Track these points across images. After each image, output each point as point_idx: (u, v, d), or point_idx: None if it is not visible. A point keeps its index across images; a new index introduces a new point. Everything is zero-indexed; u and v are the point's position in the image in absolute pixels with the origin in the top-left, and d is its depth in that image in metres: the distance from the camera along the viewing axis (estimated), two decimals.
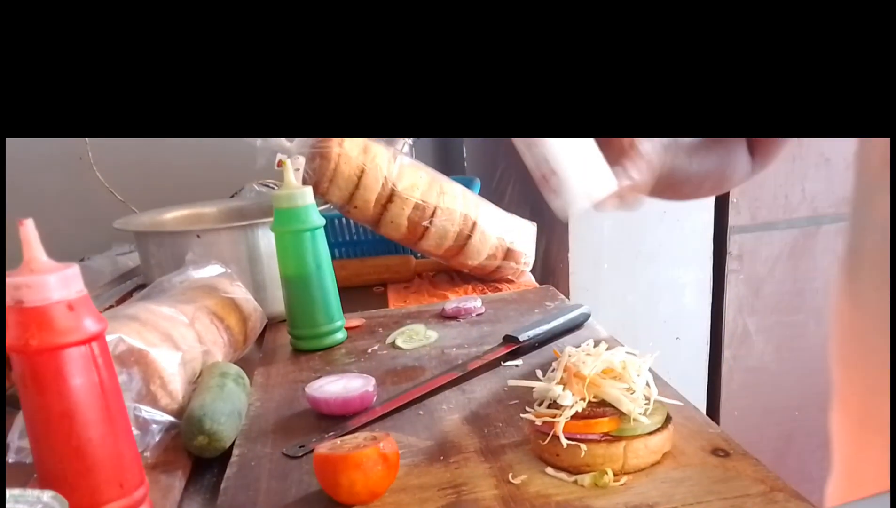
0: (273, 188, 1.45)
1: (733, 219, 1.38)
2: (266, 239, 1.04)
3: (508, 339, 0.86)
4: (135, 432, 0.67)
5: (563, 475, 0.58)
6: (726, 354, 1.45)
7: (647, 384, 0.60)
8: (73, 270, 0.50)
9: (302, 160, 0.96)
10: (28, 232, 0.48)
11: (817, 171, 1.37)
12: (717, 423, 1.51)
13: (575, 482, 0.57)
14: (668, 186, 0.71)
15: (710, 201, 1.36)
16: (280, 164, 0.92)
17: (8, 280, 0.48)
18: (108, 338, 0.67)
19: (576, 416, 0.57)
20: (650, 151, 0.62)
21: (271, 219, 0.92)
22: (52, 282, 0.48)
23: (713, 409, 1.49)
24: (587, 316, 0.94)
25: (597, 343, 0.64)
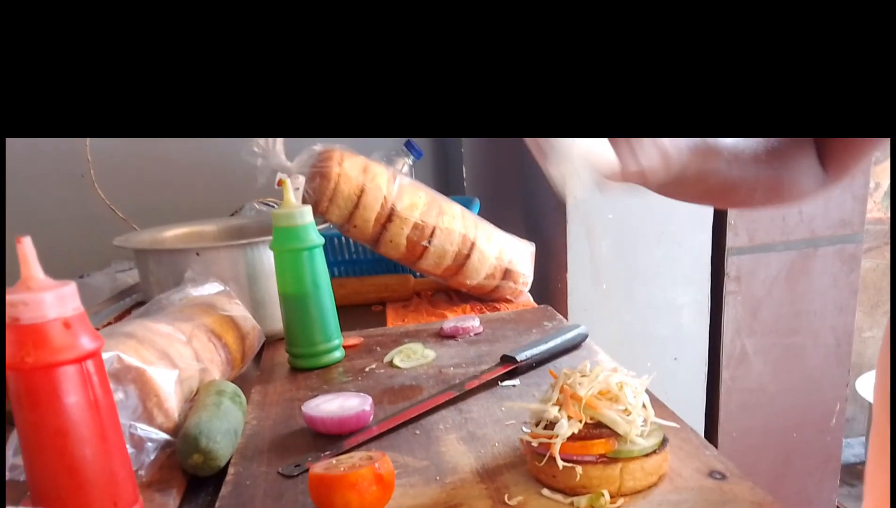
0: (274, 207, 1.46)
1: (731, 240, 1.38)
2: (266, 257, 1.04)
3: (506, 359, 0.86)
4: (130, 450, 0.67)
5: (559, 496, 0.57)
6: (724, 375, 1.45)
7: (644, 406, 0.60)
8: (70, 288, 0.50)
9: (302, 179, 0.97)
10: (26, 250, 0.48)
11: None
12: (716, 444, 1.50)
13: (571, 503, 0.56)
14: (703, 191, 0.67)
15: (707, 222, 1.37)
16: (280, 183, 0.92)
17: (5, 298, 0.48)
18: (105, 356, 0.67)
19: (572, 437, 0.57)
20: (665, 141, 0.58)
21: (271, 237, 0.92)
22: (48, 300, 0.48)
23: (712, 430, 1.49)
24: (584, 336, 0.94)
25: (594, 365, 0.64)
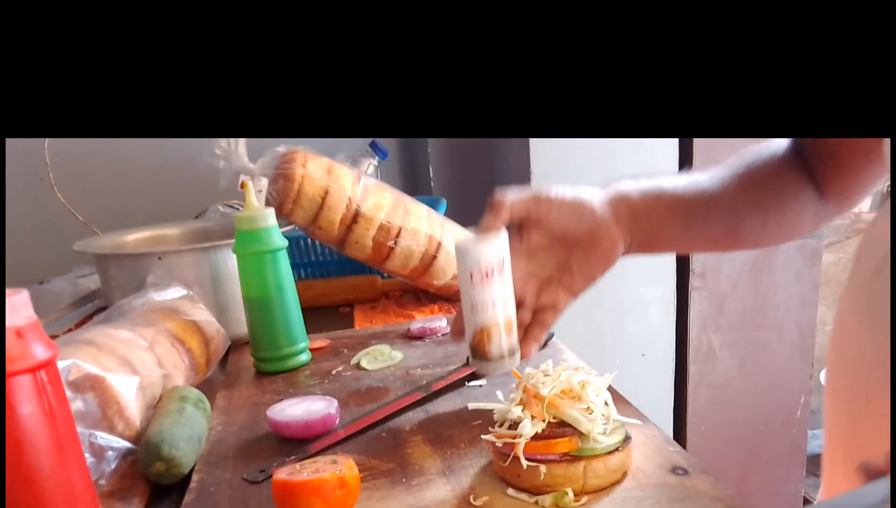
0: (238, 209, 1.44)
1: None
2: (230, 261, 1.03)
3: None
4: (90, 459, 0.66)
5: (524, 495, 0.58)
6: (692, 370, 1.46)
7: (606, 404, 0.60)
8: (23, 296, 0.49)
9: (265, 182, 0.95)
10: None
11: None
12: (685, 440, 1.52)
13: (536, 502, 0.57)
14: (676, 246, 0.74)
15: None
16: (243, 185, 0.91)
17: None
18: (63, 364, 0.66)
19: (536, 437, 0.57)
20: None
21: (234, 240, 0.91)
22: None
23: (680, 425, 1.50)
24: (551, 335, 0.94)
25: (556, 364, 0.64)
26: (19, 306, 0.48)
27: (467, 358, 0.85)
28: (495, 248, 0.66)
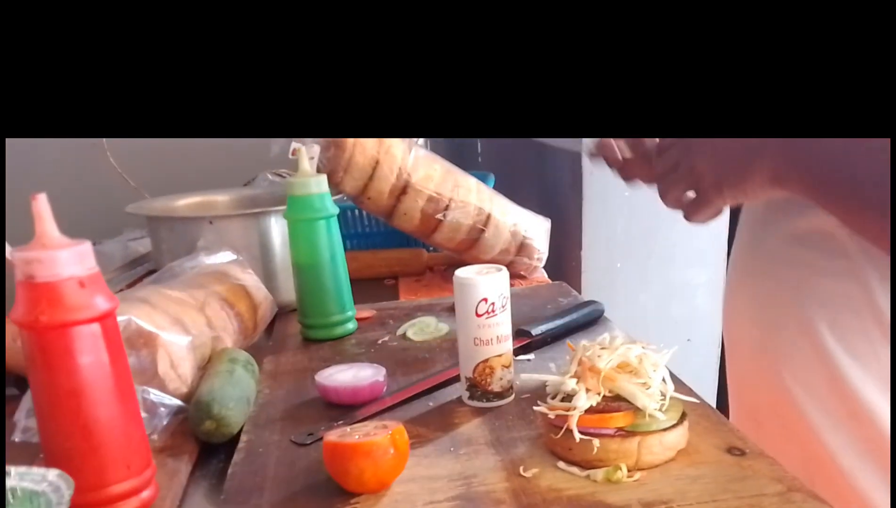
0: (286, 178, 1.44)
1: None
2: (278, 228, 1.03)
3: (521, 333, 0.85)
4: (143, 414, 0.66)
5: (575, 469, 0.57)
6: None
7: (663, 380, 0.59)
8: (86, 246, 0.49)
9: (317, 149, 0.95)
10: (40, 207, 0.48)
11: None
12: None
13: (587, 476, 0.56)
14: None
15: None
16: (295, 152, 0.91)
17: (19, 255, 0.47)
18: (118, 319, 0.66)
19: (590, 410, 0.56)
20: None
21: (284, 207, 0.91)
22: (63, 257, 0.47)
23: (723, 412, 1.48)
24: (601, 312, 0.93)
25: (612, 338, 0.63)
26: (83, 256, 0.49)
27: (516, 331, 0.84)
28: (500, 282, 0.68)
